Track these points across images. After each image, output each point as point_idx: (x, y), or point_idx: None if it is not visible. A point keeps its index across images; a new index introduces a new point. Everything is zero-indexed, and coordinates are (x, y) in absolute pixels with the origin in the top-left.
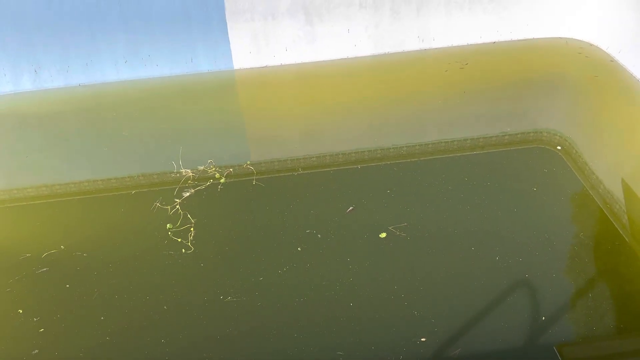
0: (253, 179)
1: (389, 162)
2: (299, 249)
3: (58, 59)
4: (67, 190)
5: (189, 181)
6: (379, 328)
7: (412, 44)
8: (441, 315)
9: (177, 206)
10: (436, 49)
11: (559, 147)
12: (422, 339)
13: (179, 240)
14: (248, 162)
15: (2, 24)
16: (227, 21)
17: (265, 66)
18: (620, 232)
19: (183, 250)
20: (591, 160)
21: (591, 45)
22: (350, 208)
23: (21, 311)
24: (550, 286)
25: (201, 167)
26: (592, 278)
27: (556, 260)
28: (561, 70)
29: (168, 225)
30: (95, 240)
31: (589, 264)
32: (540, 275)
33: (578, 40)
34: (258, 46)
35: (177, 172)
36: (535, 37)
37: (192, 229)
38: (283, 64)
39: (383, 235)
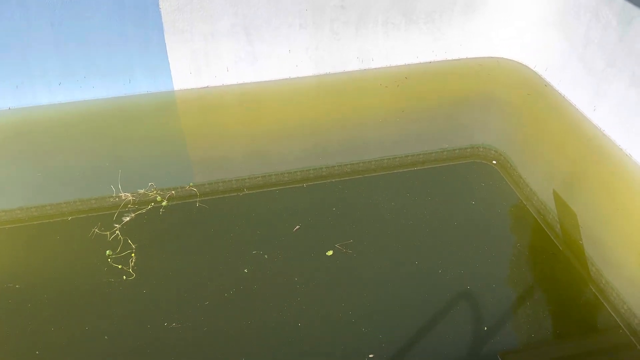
0: (197, 201)
1: (334, 180)
2: (245, 270)
3: None
4: None
5: (129, 205)
6: (327, 346)
7: (352, 64)
8: (388, 331)
9: (117, 231)
10: (375, 69)
11: (494, 162)
12: (370, 356)
13: (120, 266)
14: (191, 184)
15: None
16: (165, 42)
17: (207, 87)
18: (554, 241)
19: (124, 277)
20: (525, 173)
21: (520, 64)
22: (297, 227)
23: None
24: (492, 296)
25: (142, 191)
26: (530, 286)
27: (496, 270)
28: (494, 88)
29: (107, 251)
30: (29, 271)
31: (527, 273)
32: (481, 286)
33: (508, 59)
34: (198, 66)
35: (117, 196)
36: (468, 56)
37: (133, 254)
38: (225, 84)
39: (330, 253)
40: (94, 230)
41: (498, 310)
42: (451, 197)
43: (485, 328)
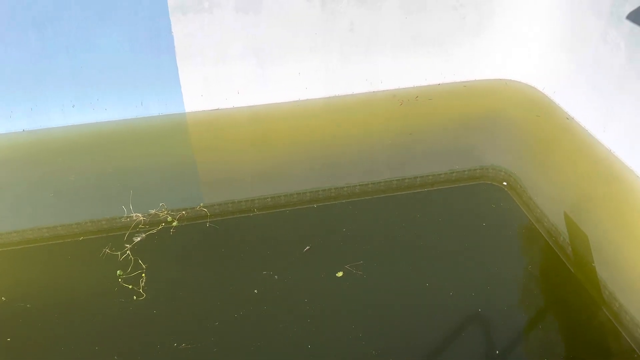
0: (207, 222)
1: (343, 201)
2: (255, 291)
3: (0, 104)
4: (9, 239)
5: (140, 226)
6: None
7: (361, 86)
8: (398, 354)
9: (128, 252)
10: (384, 91)
11: (504, 183)
12: None
13: (130, 286)
14: (201, 205)
15: None
16: (177, 65)
17: (217, 109)
18: (566, 263)
19: (134, 297)
20: (535, 195)
21: (529, 86)
22: (307, 248)
23: None
24: (503, 319)
25: (152, 211)
26: (542, 310)
27: (507, 293)
28: (503, 110)
29: (118, 271)
30: (40, 290)
31: (539, 296)
32: (493, 309)
33: (517, 81)
34: (209, 89)
35: (127, 217)
36: (477, 79)
37: (143, 274)
38: (235, 106)
39: (340, 274)
40: (105, 251)
41: (510, 334)
42: (461, 219)
43: (497, 352)
